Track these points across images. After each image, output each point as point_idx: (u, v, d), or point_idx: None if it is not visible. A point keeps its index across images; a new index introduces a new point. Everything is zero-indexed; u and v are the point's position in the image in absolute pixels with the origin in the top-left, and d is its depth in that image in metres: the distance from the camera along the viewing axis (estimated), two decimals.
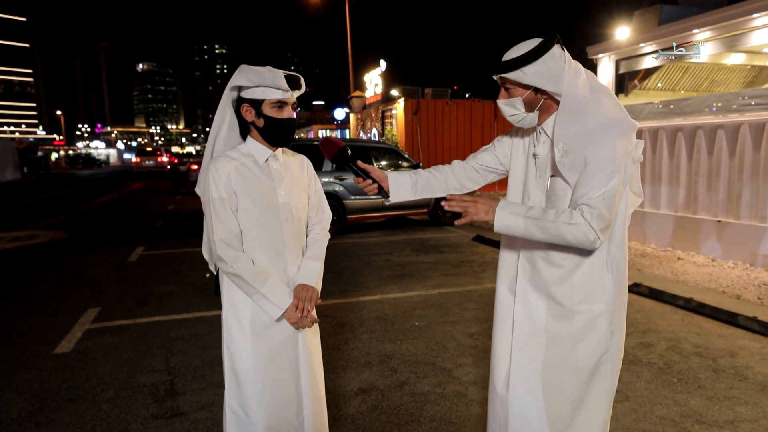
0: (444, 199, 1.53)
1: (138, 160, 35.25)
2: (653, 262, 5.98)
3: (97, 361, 3.46)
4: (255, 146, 1.76)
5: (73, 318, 4.37)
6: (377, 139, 16.48)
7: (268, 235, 1.73)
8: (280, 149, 1.81)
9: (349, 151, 1.71)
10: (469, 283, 5.38)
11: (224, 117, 1.75)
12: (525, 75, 1.47)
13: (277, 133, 1.73)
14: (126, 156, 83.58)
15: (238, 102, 1.72)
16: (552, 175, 1.56)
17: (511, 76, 1.50)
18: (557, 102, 1.52)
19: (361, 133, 18.97)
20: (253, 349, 1.71)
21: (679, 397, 2.86)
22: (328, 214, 1.96)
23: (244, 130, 1.77)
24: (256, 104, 1.69)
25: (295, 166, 1.86)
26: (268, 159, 1.76)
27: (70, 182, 27.49)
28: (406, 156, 9.26)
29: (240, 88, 1.70)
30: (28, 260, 6.95)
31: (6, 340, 3.91)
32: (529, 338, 1.62)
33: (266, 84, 1.64)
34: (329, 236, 1.97)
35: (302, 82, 1.74)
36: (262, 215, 1.72)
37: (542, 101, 1.54)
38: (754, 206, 5.63)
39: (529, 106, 1.55)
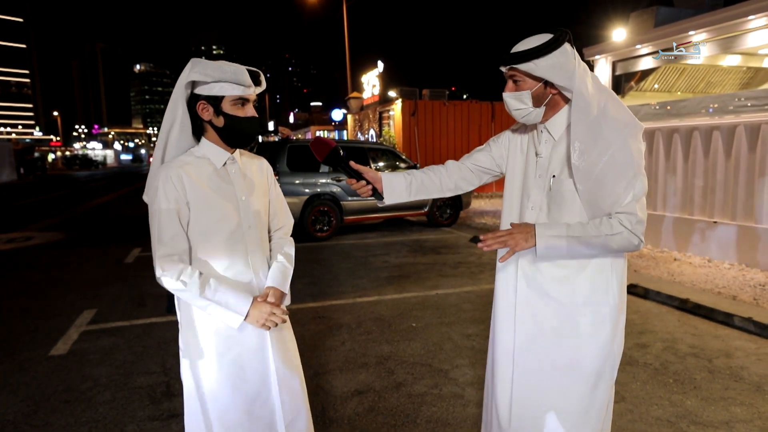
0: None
1: None
2: (650, 262, 6.00)
3: (94, 363, 3.46)
4: (211, 148, 1.60)
5: (69, 319, 4.36)
6: (375, 140, 16.48)
7: (230, 244, 1.59)
8: (237, 151, 1.67)
9: (342, 152, 1.63)
10: (467, 284, 5.38)
11: (175, 116, 1.57)
12: (537, 67, 1.46)
13: (239, 134, 1.58)
14: (123, 157, 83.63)
15: (192, 99, 1.55)
16: (553, 176, 1.55)
17: (523, 67, 1.49)
18: (565, 99, 1.52)
19: (359, 134, 18.98)
20: (219, 369, 1.57)
21: (674, 397, 2.87)
22: (290, 219, 1.85)
23: (198, 130, 1.60)
24: (215, 101, 1.53)
25: (255, 169, 1.72)
26: (226, 162, 1.62)
27: (67, 183, 27.42)
28: (404, 157, 9.25)
29: (194, 85, 1.54)
30: (24, 261, 6.93)
31: (1, 342, 3.90)
32: (532, 340, 1.58)
33: (227, 79, 1.50)
34: (293, 241, 1.84)
35: (262, 78, 1.62)
36: (224, 223, 1.58)
37: (550, 96, 1.53)
38: (749, 207, 5.65)
39: (537, 101, 1.53)
